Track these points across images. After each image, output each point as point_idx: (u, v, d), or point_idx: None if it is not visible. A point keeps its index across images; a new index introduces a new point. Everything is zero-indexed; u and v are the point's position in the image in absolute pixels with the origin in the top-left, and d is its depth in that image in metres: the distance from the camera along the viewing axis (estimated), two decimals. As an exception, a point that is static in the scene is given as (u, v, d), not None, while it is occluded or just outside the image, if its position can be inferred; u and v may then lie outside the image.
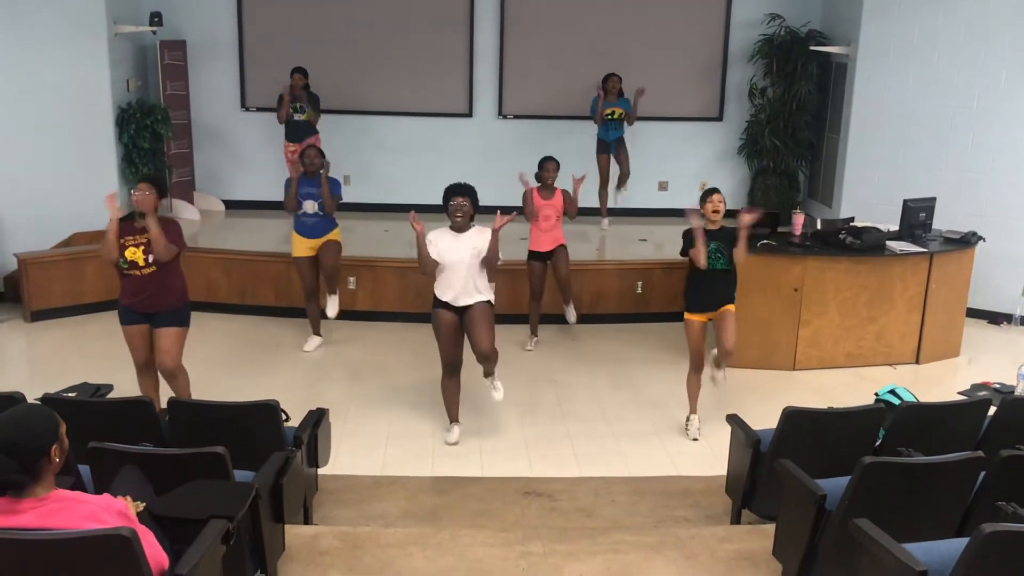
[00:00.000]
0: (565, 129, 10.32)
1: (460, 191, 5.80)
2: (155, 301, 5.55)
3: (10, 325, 8.12)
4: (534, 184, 7.45)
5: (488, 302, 5.82)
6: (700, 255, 5.86)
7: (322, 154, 7.34)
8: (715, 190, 6.01)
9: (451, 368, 5.95)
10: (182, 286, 5.71)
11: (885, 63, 8.96)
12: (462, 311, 5.78)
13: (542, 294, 7.68)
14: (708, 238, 5.89)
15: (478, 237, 5.74)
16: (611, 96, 9.35)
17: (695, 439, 6.14)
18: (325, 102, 9.45)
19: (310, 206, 7.24)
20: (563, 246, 7.56)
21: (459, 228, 5.77)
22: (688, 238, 5.98)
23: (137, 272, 5.47)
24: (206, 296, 8.09)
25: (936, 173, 8.67)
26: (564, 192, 7.46)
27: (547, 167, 7.42)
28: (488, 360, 5.86)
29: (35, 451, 2.60)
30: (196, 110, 10.23)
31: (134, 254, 5.44)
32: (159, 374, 5.77)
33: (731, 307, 6.03)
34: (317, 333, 7.66)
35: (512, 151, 10.45)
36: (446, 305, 5.79)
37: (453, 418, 6.08)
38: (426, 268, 5.79)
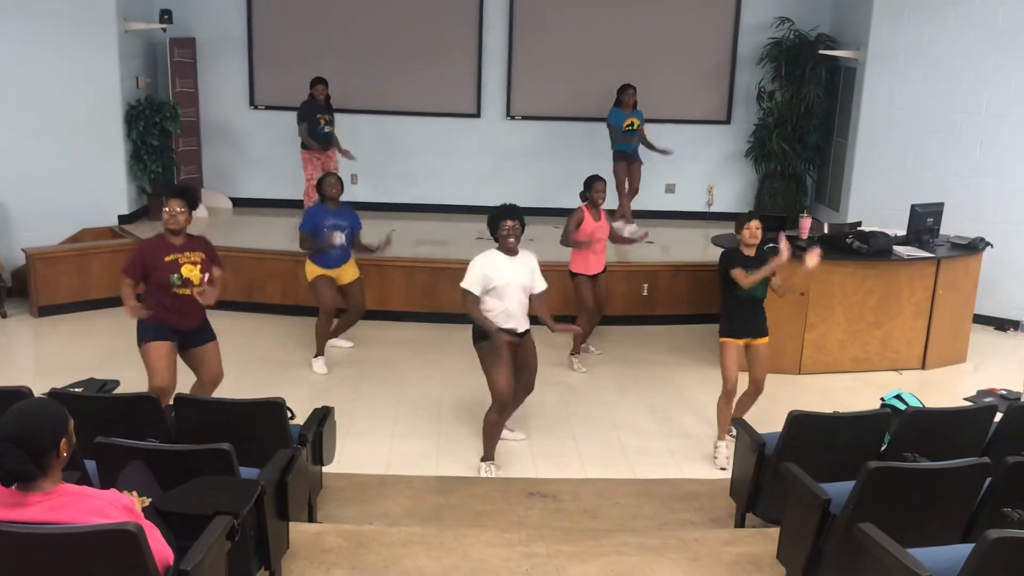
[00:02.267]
0: (573, 131, 10.34)
1: (511, 214, 5.50)
2: (195, 317, 5.42)
3: (17, 320, 8.15)
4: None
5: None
6: (750, 280, 5.61)
7: (341, 182, 7.14)
8: (753, 215, 5.81)
9: (508, 400, 5.61)
10: None
11: (894, 67, 8.95)
12: (516, 337, 5.59)
13: (595, 305, 7.34)
14: (748, 264, 5.66)
15: (527, 261, 5.57)
16: (627, 108, 9.31)
17: (723, 468, 5.71)
18: (332, 101, 9.38)
19: (338, 238, 6.90)
20: (605, 271, 7.36)
21: (511, 251, 5.50)
22: (727, 261, 5.73)
23: (188, 291, 5.30)
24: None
25: (944, 178, 8.65)
26: (606, 214, 7.24)
27: (596, 187, 7.02)
28: (528, 392, 5.85)
29: (45, 444, 2.62)
30: (205, 107, 10.26)
31: (191, 271, 5.27)
32: (206, 385, 5.62)
33: (767, 341, 5.87)
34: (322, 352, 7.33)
35: (520, 152, 10.49)
36: (507, 331, 5.49)
37: (491, 454, 5.75)
38: (470, 309, 5.47)
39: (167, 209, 5.28)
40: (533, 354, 5.71)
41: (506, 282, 5.43)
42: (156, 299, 5.31)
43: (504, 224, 5.45)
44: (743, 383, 5.92)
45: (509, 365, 5.49)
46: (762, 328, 5.86)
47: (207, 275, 5.33)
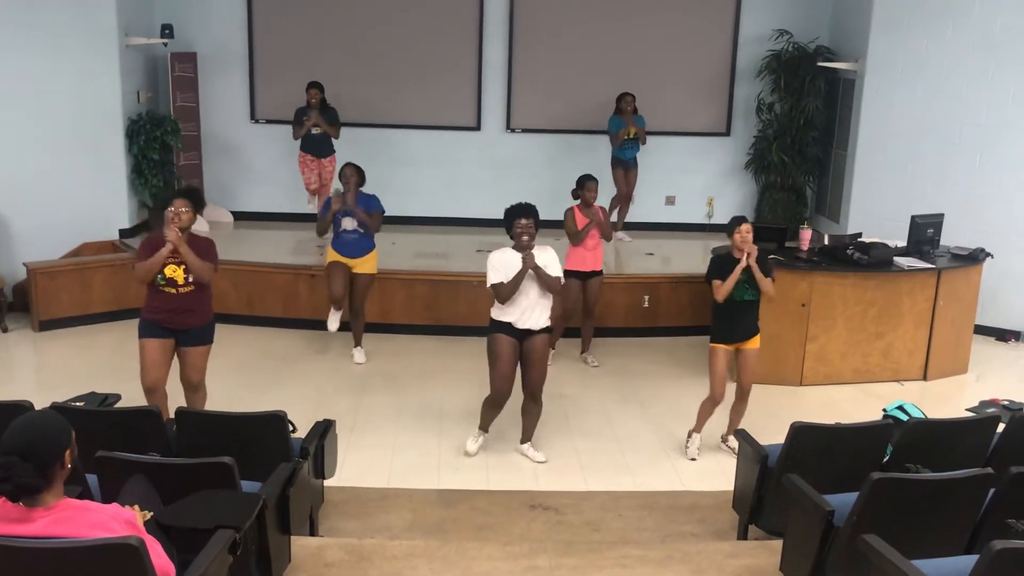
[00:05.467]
0: (573, 143, 10.36)
1: (525, 212, 5.65)
2: (187, 319, 5.46)
3: (18, 334, 8.14)
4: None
5: (548, 330, 5.77)
6: (724, 289, 5.69)
7: (360, 172, 7.25)
8: (743, 219, 5.81)
9: (502, 396, 5.79)
10: (211, 303, 5.66)
11: (893, 78, 8.97)
12: (522, 336, 5.66)
13: (575, 314, 7.49)
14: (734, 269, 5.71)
15: (542, 255, 5.65)
16: (626, 115, 9.36)
17: (693, 459, 6.02)
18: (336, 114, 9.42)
19: (349, 223, 7.18)
20: (601, 273, 7.43)
21: (525, 248, 5.62)
22: (716, 266, 5.80)
23: (174, 290, 5.37)
24: (214, 307, 8.07)
25: (944, 189, 8.66)
26: (604, 210, 7.37)
27: (588, 186, 7.18)
28: (536, 398, 5.83)
29: (51, 456, 2.62)
30: (206, 122, 10.28)
31: (174, 271, 5.34)
32: (182, 386, 5.68)
33: (756, 343, 5.88)
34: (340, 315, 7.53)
35: (520, 165, 10.50)
36: (507, 328, 5.64)
37: (483, 427, 6.01)
38: (508, 297, 5.57)
39: (171, 208, 5.36)
40: (541, 354, 5.72)
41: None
42: (150, 294, 5.46)
43: (518, 222, 5.63)
44: (731, 393, 5.98)
45: (506, 359, 5.63)
46: (752, 330, 5.87)
47: (191, 276, 5.37)
